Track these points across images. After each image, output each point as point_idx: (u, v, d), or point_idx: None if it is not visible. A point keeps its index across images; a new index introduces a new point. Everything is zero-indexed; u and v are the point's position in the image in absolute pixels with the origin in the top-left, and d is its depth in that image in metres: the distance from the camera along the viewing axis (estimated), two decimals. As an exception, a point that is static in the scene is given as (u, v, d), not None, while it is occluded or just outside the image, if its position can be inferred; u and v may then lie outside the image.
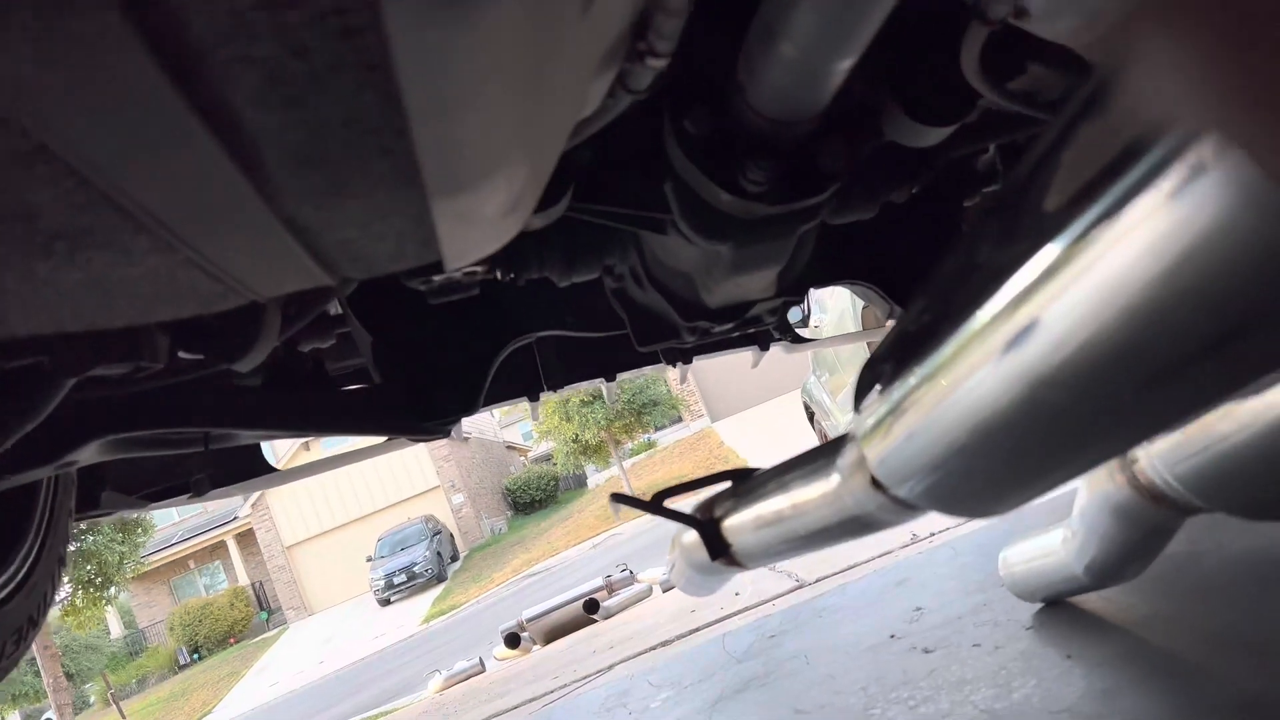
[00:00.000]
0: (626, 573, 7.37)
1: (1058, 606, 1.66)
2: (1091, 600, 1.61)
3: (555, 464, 24.95)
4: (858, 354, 5.28)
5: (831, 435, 7.40)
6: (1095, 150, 0.53)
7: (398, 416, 1.65)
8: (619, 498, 1.43)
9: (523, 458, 33.15)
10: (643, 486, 21.53)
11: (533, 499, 27.72)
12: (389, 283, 1.52)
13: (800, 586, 3.15)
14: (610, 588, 6.69)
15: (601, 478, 26.21)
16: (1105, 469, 1.08)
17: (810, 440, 8.22)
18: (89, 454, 1.36)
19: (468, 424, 1.98)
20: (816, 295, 5.95)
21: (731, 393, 24.26)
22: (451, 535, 25.63)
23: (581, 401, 20.10)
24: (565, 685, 3.32)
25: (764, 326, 1.75)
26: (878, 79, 0.98)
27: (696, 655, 2.67)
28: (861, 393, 0.92)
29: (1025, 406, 0.63)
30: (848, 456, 1.05)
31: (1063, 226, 0.54)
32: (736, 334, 1.69)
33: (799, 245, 1.28)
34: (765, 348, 2.10)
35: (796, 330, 2.18)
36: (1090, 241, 0.51)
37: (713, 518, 1.36)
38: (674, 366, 1.99)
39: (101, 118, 0.44)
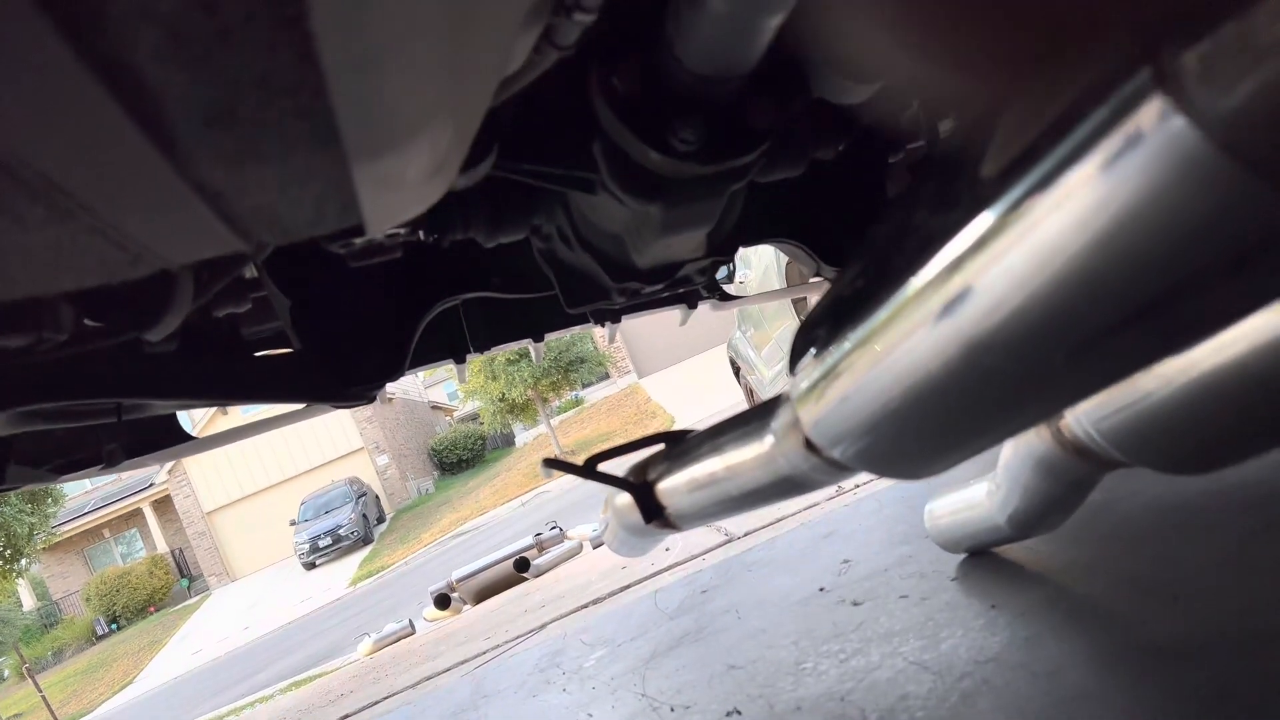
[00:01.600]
0: (556, 530, 7.38)
1: (981, 557, 1.70)
2: (1013, 550, 1.66)
3: (482, 423, 24.83)
4: (782, 309, 5.34)
5: (757, 389, 7.50)
6: (1032, 114, 0.54)
7: (319, 383, 1.61)
8: (551, 462, 1.41)
9: (449, 417, 32.89)
10: (571, 444, 21.57)
11: (459, 459, 27.58)
12: (307, 245, 1.47)
13: (730, 540, 3.19)
14: (541, 546, 6.70)
15: (529, 436, 26.18)
16: (1030, 425, 1.10)
17: (736, 394, 8.30)
18: (-5, 426, 1.30)
19: (391, 386, 1.94)
20: (741, 253, 5.99)
21: (658, 349, 24.37)
22: (377, 497, 25.37)
23: (508, 360, 19.96)
24: (498, 646, 3.32)
25: (693, 286, 1.74)
26: (804, 34, 0.98)
27: (629, 612, 2.69)
28: (796, 356, 0.92)
29: (960, 370, 0.63)
30: (781, 419, 1.05)
31: (999, 190, 0.54)
32: (666, 294, 1.67)
33: (729, 204, 1.28)
34: (693, 306, 2.10)
35: (724, 288, 2.18)
36: (1026, 206, 0.52)
37: (646, 481, 1.36)
38: (602, 326, 1.97)
39: None
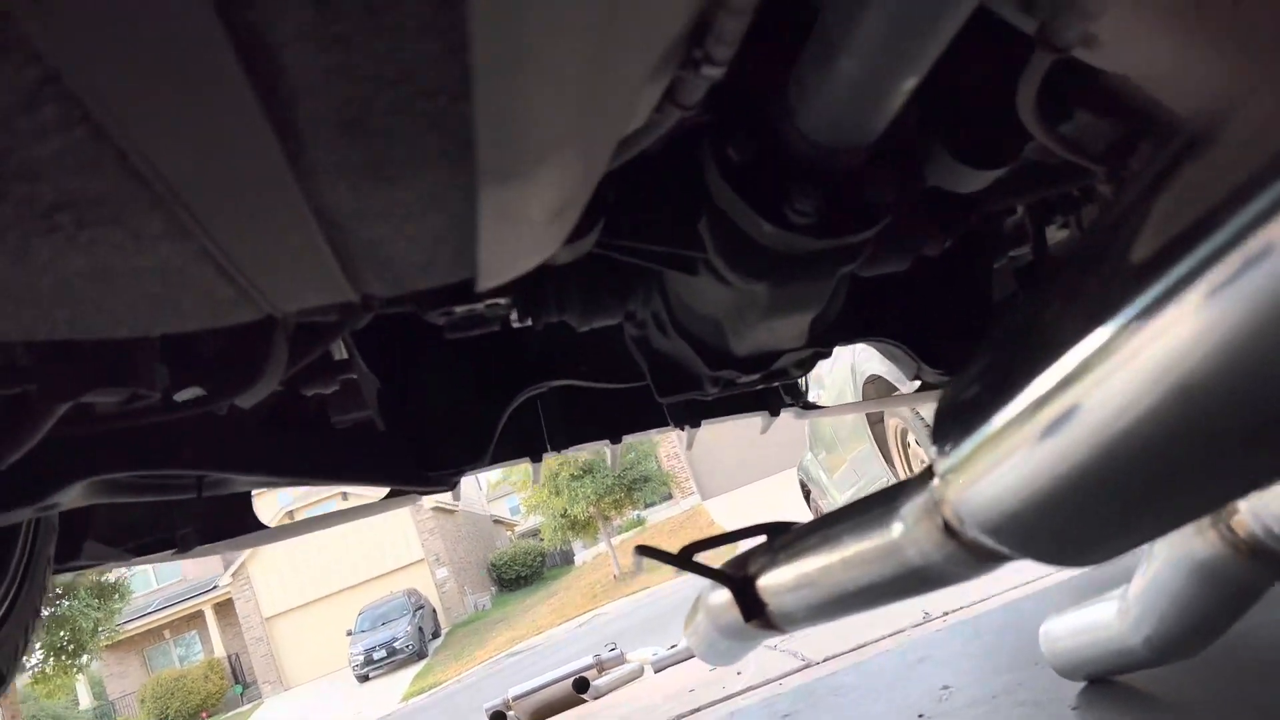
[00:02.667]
0: (616, 652, 7.14)
1: (1102, 686, 1.54)
2: (1140, 679, 1.50)
3: (543, 540, 24.62)
4: (858, 432, 5.21)
5: (825, 508, 7.29)
6: (1208, 184, 0.49)
7: (402, 467, 1.56)
8: (645, 550, 1.33)
9: (509, 532, 32.75)
10: (631, 564, 21.18)
11: (518, 575, 27.30)
12: (395, 325, 1.44)
13: (808, 665, 3.00)
14: (600, 667, 6.46)
15: (589, 554, 25.85)
16: (1188, 526, 0.99)
17: (805, 519, 8.12)
18: (73, 496, 1.27)
19: (455, 497, 1.89)
20: (815, 372, 5.90)
21: (723, 470, 24.07)
22: (434, 610, 25.13)
23: (572, 475, 19.88)
24: (559, 765, 3.14)
25: (790, 380, 1.67)
26: (922, 117, 0.93)
27: (702, 735, 2.52)
28: (942, 427, 0.84)
29: (1146, 445, 0.56)
30: (914, 502, 0.95)
31: (1183, 258, 0.49)
32: (758, 386, 1.61)
33: (834, 291, 1.22)
34: (775, 413, 2.02)
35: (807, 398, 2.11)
36: (1214, 274, 0.47)
37: (746, 574, 1.26)
38: (682, 429, 1.91)
39: (125, 37, 0.35)
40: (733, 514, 21.07)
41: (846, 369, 4.82)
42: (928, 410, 3.89)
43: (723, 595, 1.30)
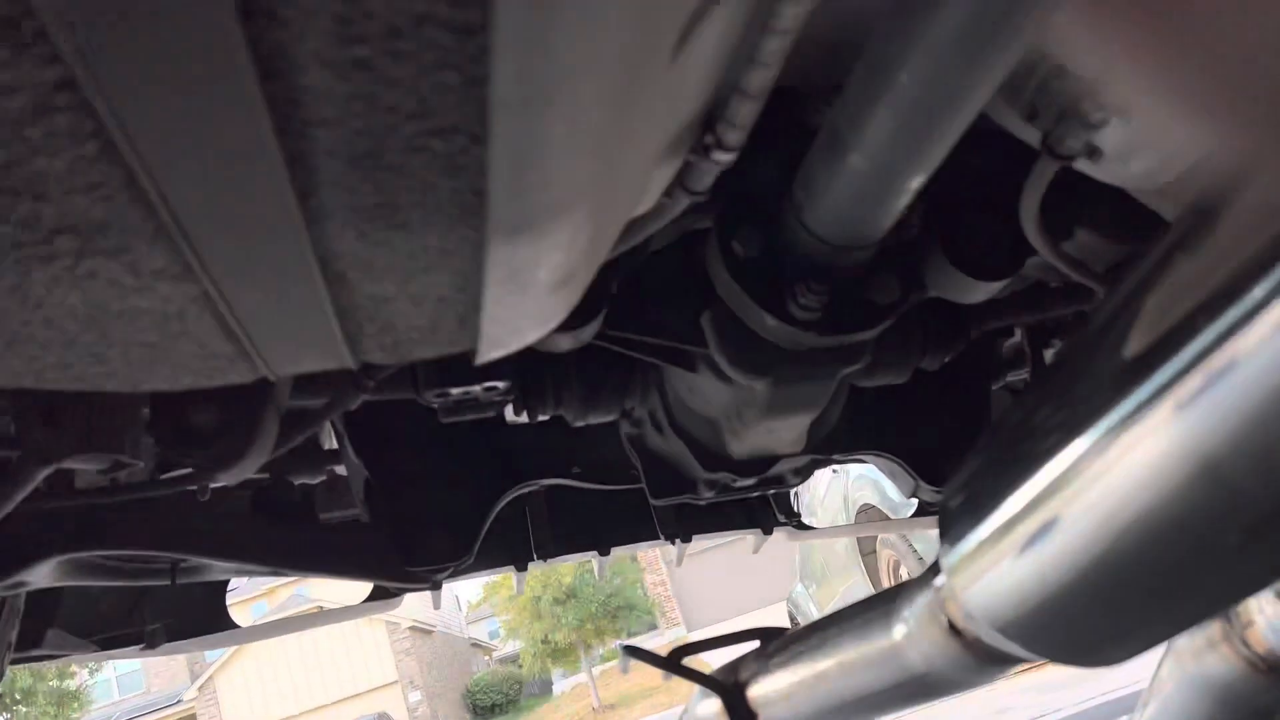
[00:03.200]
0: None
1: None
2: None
3: (521, 665, 23.88)
4: (849, 565, 5.14)
5: None
6: (1226, 259, 0.49)
7: (385, 562, 1.52)
8: (632, 650, 1.28)
9: (487, 657, 31.83)
10: (611, 696, 20.46)
11: (494, 702, 26.39)
12: (385, 414, 1.43)
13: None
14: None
15: (568, 684, 25.02)
16: (1200, 642, 0.95)
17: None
18: (43, 575, 1.23)
19: (433, 617, 1.84)
20: (806, 500, 5.84)
21: (710, 600, 23.56)
22: (405, 736, 24.15)
23: (554, 599, 19.45)
24: None
25: (786, 488, 1.66)
26: (925, 223, 0.95)
27: None
28: (946, 524, 0.81)
29: (1151, 535, 0.56)
30: (918, 604, 0.92)
31: (1194, 349, 0.49)
32: (754, 493, 1.59)
33: (834, 397, 1.22)
34: (768, 531, 1.99)
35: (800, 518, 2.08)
36: (1225, 367, 0.47)
37: (737, 681, 1.21)
38: (672, 543, 1.87)
39: (145, 40, 0.35)
40: (719, 649, 20.48)
41: (839, 497, 4.80)
42: (922, 542, 3.84)
43: (713, 705, 1.24)
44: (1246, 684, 0.92)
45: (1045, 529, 0.66)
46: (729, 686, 1.21)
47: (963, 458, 1.65)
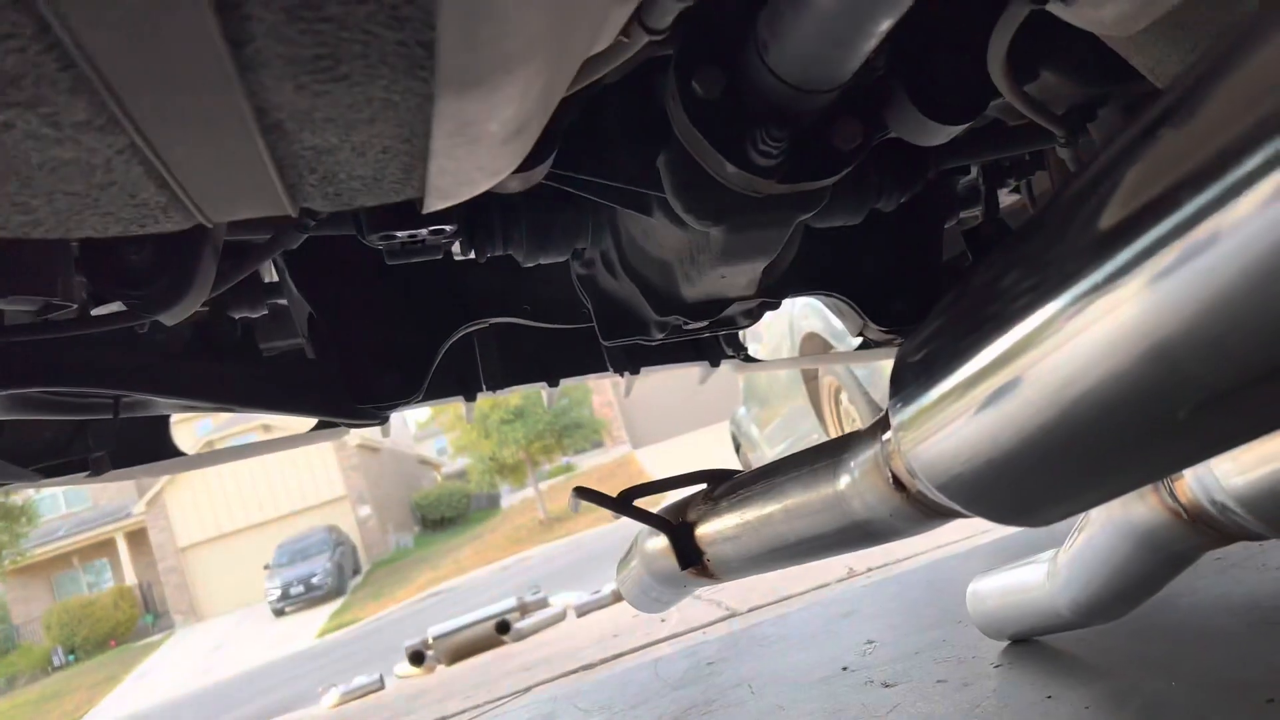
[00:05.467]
0: (539, 595, 7.19)
1: (1027, 645, 1.58)
2: (1063, 640, 1.54)
3: (469, 481, 24.57)
4: (792, 387, 5.25)
5: (755, 463, 7.42)
6: (1176, 160, 0.49)
7: (332, 398, 1.51)
8: (582, 491, 1.30)
9: (436, 473, 32.63)
10: (557, 509, 21.26)
11: (442, 516, 27.29)
12: (331, 250, 1.39)
13: (732, 615, 3.04)
14: (523, 609, 6.50)
15: (515, 498, 25.91)
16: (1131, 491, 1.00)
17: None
18: (-20, 410, 1.20)
19: (380, 434, 1.83)
20: (753, 327, 5.93)
21: (655, 420, 24.21)
22: (354, 548, 25.01)
23: (503, 419, 19.80)
24: (478, 706, 3.15)
25: (737, 329, 1.66)
26: (890, 66, 0.91)
27: (625, 680, 2.53)
28: (899, 383, 0.82)
29: (1103, 408, 0.56)
30: (862, 456, 0.95)
31: (1160, 215, 0.49)
32: (705, 334, 1.60)
33: (789, 241, 1.20)
34: (715, 364, 2.00)
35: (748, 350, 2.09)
36: (1190, 234, 0.47)
37: (685, 521, 1.25)
38: (621, 376, 1.88)
39: None
40: (663, 464, 21.21)
41: (785, 325, 4.84)
42: (863, 369, 3.93)
43: (659, 542, 1.28)
44: (1169, 531, 0.97)
45: (1000, 394, 0.66)
46: (676, 526, 1.24)
47: (909, 299, 1.66)
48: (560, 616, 6.54)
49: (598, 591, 6.58)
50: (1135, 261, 0.50)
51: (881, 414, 0.95)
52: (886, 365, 3.59)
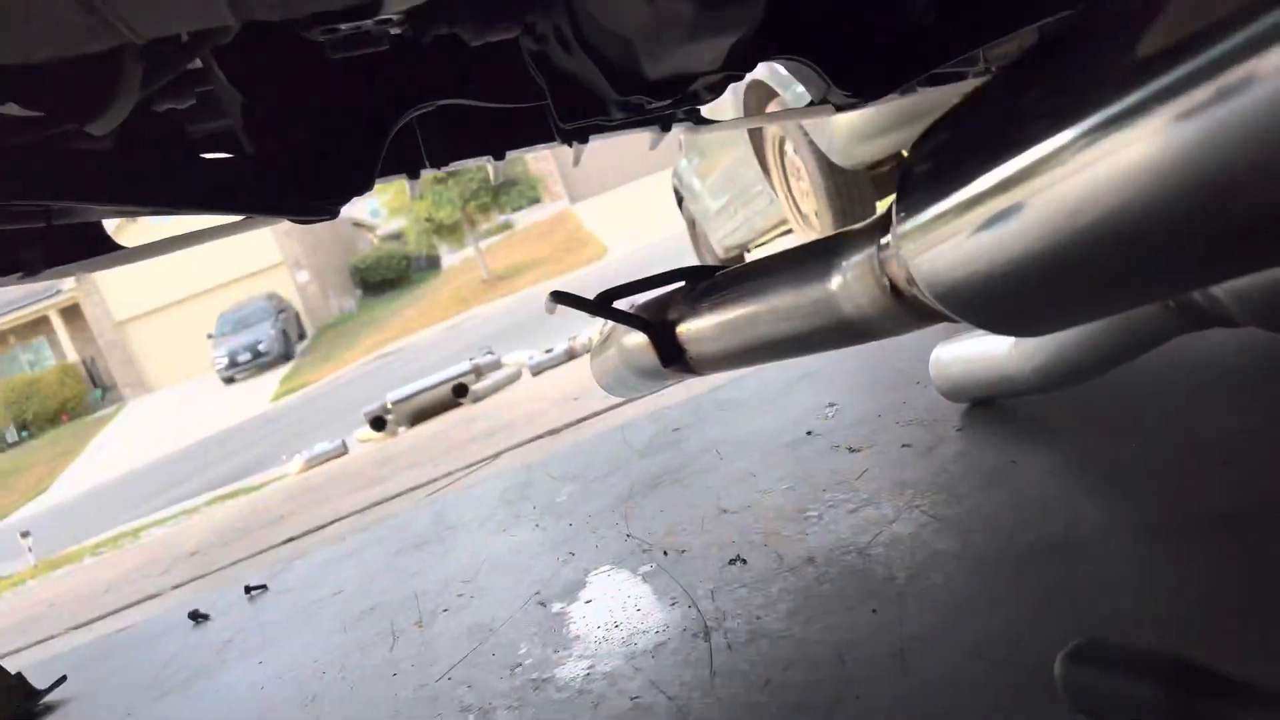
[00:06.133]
0: (492, 356, 7.31)
1: (987, 410, 1.64)
2: (1020, 405, 1.60)
3: (406, 243, 24.26)
4: (735, 137, 5.13)
5: (701, 221, 7.45)
6: None
7: (278, 195, 1.43)
8: (559, 296, 1.28)
9: (371, 235, 32.15)
10: (500, 268, 21.26)
11: (383, 279, 27.17)
12: (263, 35, 1.27)
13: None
14: (477, 371, 6.63)
15: (456, 259, 25.77)
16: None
17: (677, 224, 8.14)
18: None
19: None
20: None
21: (592, 174, 23.80)
22: (297, 314, 24.97)
23: (435, 179, 19.27)
24: (450, 474, 3.26)
25: (700, 104, 1.58)
26: None
27: (593, 448, 2.62)
28: (906, 189, 0.79)
29: (1114, 225, 0.56)
30: (853, 258, 0.93)
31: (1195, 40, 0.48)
32: (668, 111, 1.52)
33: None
34: (667, 128, 1.92)
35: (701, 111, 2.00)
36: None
37: (666, 320, 1.24)
38: (569, 146, 1.80)
39: None
40: (602, 218, 21.09)
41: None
42: (815, 125, 3.83)
43: (638, 337, 1.28)
44: (1151, 313, 0.99)
45: (1012, 210, 0.65)
46: (658, 325, 1.23)
47: (876, 64, 1.60)
48: (515, 376, 6.69)
49: (550, 350, 6.70)
50: (1170, 90, 0.48)
51: (876, 217, 0.93)
52: (835, 118, 3.51)
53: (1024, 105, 0.64)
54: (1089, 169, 0.56)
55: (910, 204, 0.79)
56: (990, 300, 0.74)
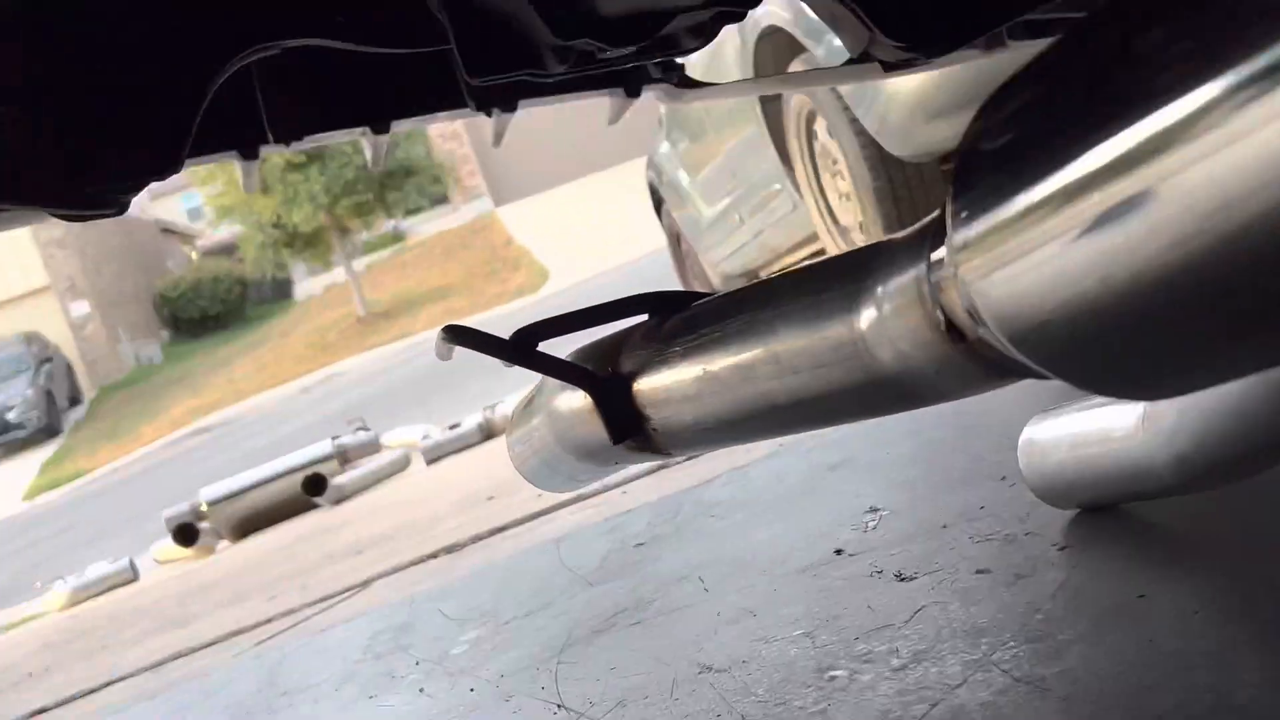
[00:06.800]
0: (366, 433, 7.30)
1: (1101, 517, 1.67)
2: (1146, 510, 1.63)
3: (242, 260, 24.32)
4: (743, 112, 5.21)
5: (689, 233, 7.61)
6: None
7: (26, 171, 1.45)
8: (456, 331, 1.29)
9: (188, 249, 32.20)
10: (384, 299, 21.31)
11: (205, 314, 27.20)
12: None
13: (666, 465, 3.14)
14: (344, 456, 6.63)
15: (317, 285, 25.83)
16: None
17: (654, 239, 8.22)
18: None
19: None
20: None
21: (526, 163, 24.04)
22: (70, 367, 24.88)
23: (290, 164, 19.40)
24: (293, 611, 3.24)
25: (679, 53, 1.64)
26: None
27: (514, 571, 2.63)
28: (966, 178, 0.82)
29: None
30: (893, 282, 0.95)
31: None
32: (632, 63, 1.59)
33: None
34: (634, 93, 1.96)
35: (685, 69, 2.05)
36: None
37: (618, 373, 1.26)
38: (488, 116, 1.84)
39: None
40: (541, 228, 21.26)
41: (733, 27, 4.74)
42: (859, 95, 3.89)
43: (576, 398, 1.29)
44: None
45: (1127, 208, 0.66)
46: (605, 380, 1.25)
47: (951, 12, 1.66)
48: (401, 465, 6.70)
49: (455, 426, 6.72)
50: None
51: (925, 220, 0.95)
52: (889, 84, 3.57)
53: (1152, 45, 0.66)
54: (1240, 149, 0.57)
55: (974, 199, 0.80)
56: (1101, 345, 0.76)
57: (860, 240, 4.25)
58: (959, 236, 0.81)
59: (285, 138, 1.65)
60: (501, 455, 4.48)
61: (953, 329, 0.90)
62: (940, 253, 0.90)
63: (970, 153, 0.82)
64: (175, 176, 1.52)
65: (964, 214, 0.81)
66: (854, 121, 4.00)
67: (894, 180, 3.96)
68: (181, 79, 1.42)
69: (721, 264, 6.58)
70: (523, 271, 19.46)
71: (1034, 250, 0.74)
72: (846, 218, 4.43)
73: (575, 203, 21.38)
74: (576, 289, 15.53)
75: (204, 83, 1.44)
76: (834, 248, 4.64)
